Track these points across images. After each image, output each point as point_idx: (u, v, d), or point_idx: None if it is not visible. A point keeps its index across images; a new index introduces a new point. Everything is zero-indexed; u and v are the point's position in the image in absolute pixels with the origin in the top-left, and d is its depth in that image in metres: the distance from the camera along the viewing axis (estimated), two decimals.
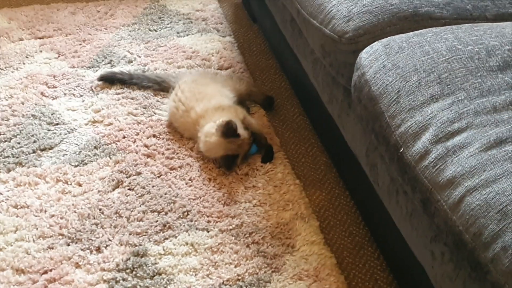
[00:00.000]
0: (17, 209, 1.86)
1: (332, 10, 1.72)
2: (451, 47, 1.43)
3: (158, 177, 1.99)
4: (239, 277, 1.69)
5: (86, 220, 1.83)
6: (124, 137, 2.13)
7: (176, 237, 1.79)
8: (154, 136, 2.14)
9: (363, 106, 1.50)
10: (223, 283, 1.67)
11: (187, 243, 1.78)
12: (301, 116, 2.32)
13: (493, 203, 1.14)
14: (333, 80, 1.81)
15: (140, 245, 1.76)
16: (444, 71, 1.38)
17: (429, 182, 1.26)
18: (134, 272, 1.69)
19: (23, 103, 2.26)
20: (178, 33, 2.72)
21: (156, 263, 1.72)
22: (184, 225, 1.83)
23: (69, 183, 1.95)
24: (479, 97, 1.31)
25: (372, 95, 1.46)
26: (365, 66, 1.52)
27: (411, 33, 1.55)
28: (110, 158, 2.05)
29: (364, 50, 1.57)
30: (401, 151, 1.34)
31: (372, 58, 1.51)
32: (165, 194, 1.92)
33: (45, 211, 1.85)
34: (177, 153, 2.08)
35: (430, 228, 1.35)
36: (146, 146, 2.10)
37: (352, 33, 1.65)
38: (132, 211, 1.86)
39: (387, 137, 1.39)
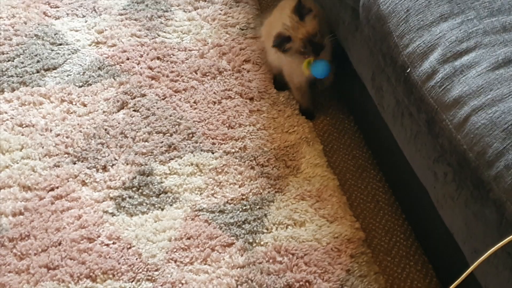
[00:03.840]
0: (22, 127, 1.87)
1: None
2: None
3: (163, 99, 1.99)
4: (243, 197, 1.72)
5: (91, 139, 1.85)
6: (128, 59, 2.11)
7: (181, 157, 1.81)
8: (158, 58, 2.13)
9: (371, 27, 1.48)
10: (227, 202, 1.71)
11: (192, 164, 1.80)
12: None
13: (499, 122, 1.14)
14: (340, 1, 1.78)
15: (146, 164, 1.79)
16: None
17: (435, 102, 1.26)
18: (140, 190, 1.72)
19: (25, 23, 2.23)
20: None
21: (162, 182, 1.74)
22: (189, 147, 1.84)
23: (73, 103, 1.96)
24: (488, 17, 1.29)
25: (380, 15, 1.44)
26: None
27: None
28: (114, 79, 2.04)
29: None
30: (408, 71, 1.34)
31: None
32: (170, 116, 1.93)
33: (51, 130, 1.86)
34: (181, 76, 2.07)
35: (434, 149, 1.36)
36: (150, 68, 2.09)
37: None
38: (137, 131, 1.88)
39: (395, 57, 1.38)
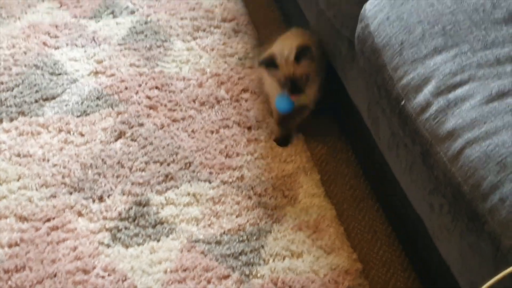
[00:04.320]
0: (20, 158, 1.87)
1: None
2: None
3: (161, 128, 1.99)
4: (240, 227, 1.71)
5: (88, 169, 1.85)
6: (126, 88, 2.12)
7: (178, 187, 1.81)
8: (156, 87, 2.14)
9: (366, 59, 1.49)
10: (224, 232, 1.70)
11: (189, 194, 1.79)
12: None
13: (493, 155, 1.14)
14: (337, 32, 1.79)
15: (142, 194, 1.78)
16: (448, 23, 1.36)
17: (429, 135, 1.26)
18: (136, 221, 1.72)
19: (25, 53, 2.24)
20: None
21: (158, 213, 1.74)
22: (186, 176, 1.84)
23: (71, 133, 1.96)
24: (482, 50, 1.30)
25: (375, 47, 1.45)
26: (369, 18, 1.50)
27: None
28: (113, 109, 2.05)
29: (368, 1, 1.55)
30: (402, 103, 1.34)
31: (377, 9, 1.49)
32: (168, 145, 1.93)
33: (48, 160, 1.87)
34: (180, 105, 2.08)
35: (429, 181, 1.36)
36: (148, 97, 2.10)
37: None
38: (134, 161, 1.88)
39: (389, 89, 1.39)
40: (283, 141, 1.99)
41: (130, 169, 1.85)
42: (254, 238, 1.69)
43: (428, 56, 1.33)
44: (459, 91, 1.26)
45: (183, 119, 2.03)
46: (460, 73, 1.28)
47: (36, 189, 1.78)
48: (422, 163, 1.32)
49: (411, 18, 1.41)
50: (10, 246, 1.65)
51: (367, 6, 1.54)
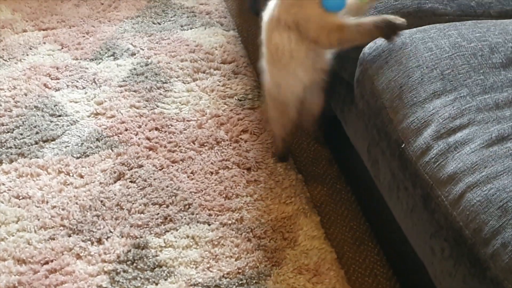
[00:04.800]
0: (19, 199, 1.86)
1: None
2: (454, 43, 1.43)
3: (160, 170, 1.99)
4: (240, 271, 1.69)
5: (87, 211, 1.84)
6: (126, 130, 2.13)
7: (177, 230, 1.80)
8: (156, 129, 2.15)
9: (366, 102, 1.50)
10: (223, 276, 1.68)
11: (188, 236, 1.78)
12: None
13: (494, 200, 1.14)
14: (336, 75, 1.81)
15: (141, 237, 1.77)
16: (447, 68, 1.38)
17: (430, 178, 1.26)
18: (134, 264, 1.70)
19: (26, 94, 2.26)
20: (181, 26, 2.72)
21: (156, 256, 1.72)
22: (185, 218, 1.83)
23: (71, 174, 1.96)
24: (481, 94, 1.31)
25: (374, 91, 1.46)
26: (368, 62, 1.52)
27: (414, 29, 1.55)
28: (112, 150, 2.05)
29: (367, 46, 1.57)
30: (402, 146, 1.35)
31: (375, 54, 1.51)
32: (167, 187, 1.93)
33: (47, 202, 1.86)
34: (179, 146, 2.08)
35: (430, 224, 1.35)
36: (148, 139, 2.10)
37: None
38: (133, 203, 1.87)
39: (389, 132, 1.40)
40: (283, 157, 2.03)
41: (129, 211, 1.85)
42: (254, 282, 1.67)
43: (427, 100, 1.34)
44: (459, 135, 1.26)
45: (182, 160, 2.03)
46: (460, 117, 1.28)
47: (35, 231, 1.77)
48: (423, 206, 1.31)
49: (409, 62, 1.43)
50: None
51: (366, 50, 1.55)
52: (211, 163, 2.03)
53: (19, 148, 2.03)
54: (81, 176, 1.95)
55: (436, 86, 1.35)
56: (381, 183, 1.60)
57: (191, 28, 2.71)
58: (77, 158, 2.02)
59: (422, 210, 1.34)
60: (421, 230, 1.41)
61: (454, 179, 1.21)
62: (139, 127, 2.15)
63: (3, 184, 1.91)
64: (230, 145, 2.10)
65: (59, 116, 2.18)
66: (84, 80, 2.36)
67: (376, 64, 1.48)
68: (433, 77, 1.38)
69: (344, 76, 1.74)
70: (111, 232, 1.78)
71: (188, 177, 1.97)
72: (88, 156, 2.03)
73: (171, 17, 2.79)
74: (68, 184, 1.92)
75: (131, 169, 1.98)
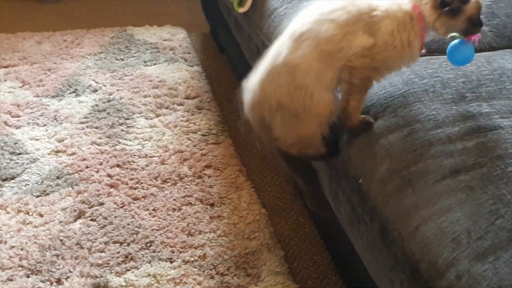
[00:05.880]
0: None
1: None
2: (407, 80, 1.46)
3: (121, 207, 1.97)
4: None
5: (46, 251, 1.80)
6: (87, 167, 2.11)
7: (138, 268, 1.77)
8: (118, 165, 2.13)
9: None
10: None
11: (149, 275, 1.76)
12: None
13: (447, 232, 1.16)
14: None
15: (101, 276, 1.74)
16: (400, 105, 1.41)
17: (386, 212, 1.28)
18: None
19: None
20: (145, 62, 2.73)
21: None
22: (146, 256, 1.81)
23: (30, 213, 1.93)
24: (434, 128, 1.34)
25: None
26: None
27: None
28: (73, 188, 2.03)
29: None
30: (359, 181, 1.36)
31: None
32: (128, 224, 1.91)
33: (5, 242, 1.82)
34: (141, 183, 2.07)
35: (389, 257, 1.35)
36: (109, 176, 2.08)
37: None
38: (93, 242, 1.84)
39: (347, 168, 1.41)
40: (335, 149, 1.51)
41: (89, 250, 1.82)
42: None
43: (382, 135, 1.37)
44: (413, 169, 1.28)
45: (144, 197, 2.02)
46: (413, 151, 1.31)
47: None
48: (381, 240, 1.32)
49: None
50: None
51: None
52: (174, 200, 2.02)
53: None
54: (41, 215, 1.92)
55: (390, 122, 1.38)
56: (342, 216, 1.60)
57: (154, 64, 2.72)
58: (37, 196, 1.99)
59: (380, 243, 1.35)
60: (381, 263, 1.41)
61: (409, 212, 1.23)
62: (101, 164, 2.13)
63: None
64: (193, 181, 2.10)
65: (19, 154, 2.15)
66: (45, 117, 2.34)
67: None
68: (387, 113, 1.40)
69: None
70: (70, 272, 1.75)
71: (150, 214, 1.96)
72: (48, 194, 2.00)
73: (134, 53, 2.79)
74: (27, 224, 1.89)
75: (92, 207, 1.96)
